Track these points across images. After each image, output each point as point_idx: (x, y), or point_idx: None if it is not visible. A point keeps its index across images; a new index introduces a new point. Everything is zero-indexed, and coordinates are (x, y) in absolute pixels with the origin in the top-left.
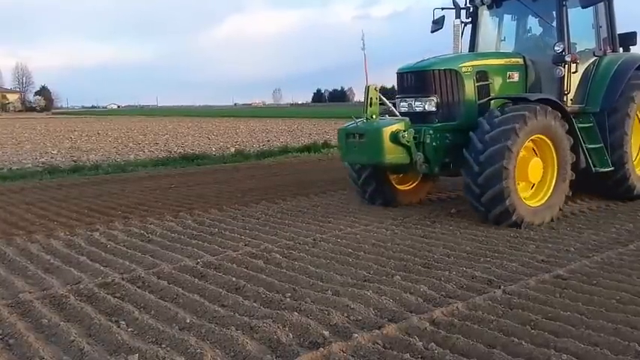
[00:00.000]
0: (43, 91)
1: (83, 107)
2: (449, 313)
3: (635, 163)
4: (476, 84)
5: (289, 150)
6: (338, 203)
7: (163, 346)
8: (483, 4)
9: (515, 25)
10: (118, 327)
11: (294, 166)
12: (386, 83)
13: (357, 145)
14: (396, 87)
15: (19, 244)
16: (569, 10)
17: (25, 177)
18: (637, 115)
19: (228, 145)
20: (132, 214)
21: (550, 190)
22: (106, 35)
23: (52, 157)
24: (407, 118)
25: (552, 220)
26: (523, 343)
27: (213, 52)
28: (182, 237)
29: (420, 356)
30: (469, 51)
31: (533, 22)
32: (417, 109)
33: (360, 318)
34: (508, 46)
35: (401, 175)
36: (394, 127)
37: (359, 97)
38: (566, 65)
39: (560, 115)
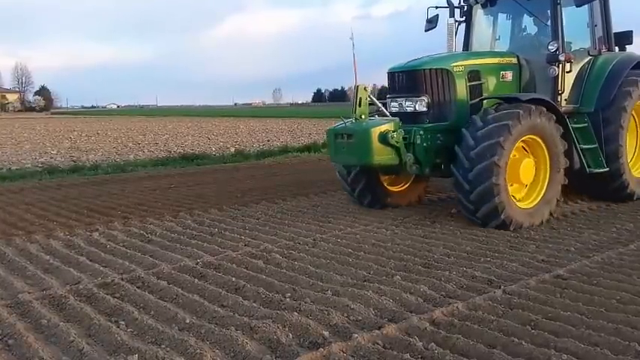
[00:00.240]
0: (43, 91)
1: (83, 107)
2: (449, 313)
3: (630, 164)
4: (468, 84)
5: (289, 150)
6: (338, 203)
7: (163, 346)
8: (477, 2)
9: (510, 24)
10: (118, 327)
11: (294, 166)
12: (386, 83)
13: (345, 145)
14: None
15: (18, 244)
16: (563, 8)
17: (24, 177)
18: (633, 115)
19: (228, 145)
20: (131, 214)
21: (543, 190)
22: (105, 35)
23: (51, 157)
24: (397, 119)
25: (551, 214)
26: (523, 343)
27: (213, 51)
28: (182, 237)
29: (420, 356)
30: (463, 50)
31: (528, 21)
32: (408, 109)
33: (360, 318)
34: (503, 46)
35: (393, 176)
36: (383, 128)
37: None
38: (560, 65)
39: (553, 115)
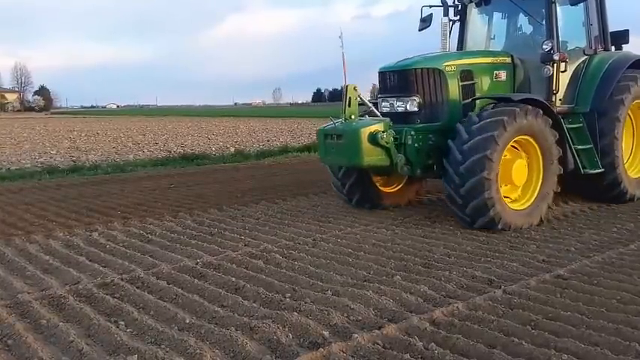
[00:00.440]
0: (42, 91)
1: (82, 107)
2: (449, 313)
3: (627, 165)
4: (460, 83)
5: (289, 150)
6: (338, 203)
7: (163, 346)
8: (472, 1)
9: (505, 23)
10: (117, 327)
11: (294, 166)
12: None
13: (334, 146)
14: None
15: (17, 244)
16: (558, 7)
17: (24, 177)
18: (629, 115)
19: (228, 145)
20: (131, 214)
21: (538, 188)
22: (105, 35)
23: (51, 157)
24: (387, 119)
25: (549, 207)
26: (523, 343)
27: (213, 51)
28: (181, 237)
29: (420, 356)
30: (458, 49)
31: (523, 20)
32: (399, 110)
33: (360, 318)
34: (498, 45)
35: (385, 177)
36: (373, 128)
37: None
38: (555, 64)
39: (546, 115)
